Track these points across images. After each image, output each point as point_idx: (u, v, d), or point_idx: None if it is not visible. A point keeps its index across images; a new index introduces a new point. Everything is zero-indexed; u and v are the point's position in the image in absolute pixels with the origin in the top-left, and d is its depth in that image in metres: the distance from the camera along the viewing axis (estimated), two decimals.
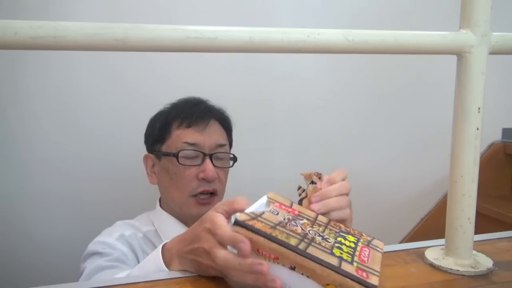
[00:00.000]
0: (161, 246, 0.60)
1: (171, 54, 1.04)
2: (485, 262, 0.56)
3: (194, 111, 0.91)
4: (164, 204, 0.94)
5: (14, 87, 1.08)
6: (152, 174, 0.95)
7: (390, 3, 1.34)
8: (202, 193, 0.88)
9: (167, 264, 0.57)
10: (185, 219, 0.90)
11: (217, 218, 0.50)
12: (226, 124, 0.97)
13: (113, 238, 0.83)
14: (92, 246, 0.81)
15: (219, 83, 1.21)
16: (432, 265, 0.57)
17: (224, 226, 0.48)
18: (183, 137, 0.89)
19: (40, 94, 1.09)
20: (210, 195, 0.89)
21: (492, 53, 0.56)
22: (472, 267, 0.54)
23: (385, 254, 0.61)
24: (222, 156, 0.92)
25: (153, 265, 0.58)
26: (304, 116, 1.32)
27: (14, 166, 1.09)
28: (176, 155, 0.87)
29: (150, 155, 0.95)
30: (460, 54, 0.55)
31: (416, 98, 1.42)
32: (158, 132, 0.93)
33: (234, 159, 0.96)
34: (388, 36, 0.53)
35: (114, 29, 0.45)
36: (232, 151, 0.98)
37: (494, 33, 0.55)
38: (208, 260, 0.49)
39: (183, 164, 0.87)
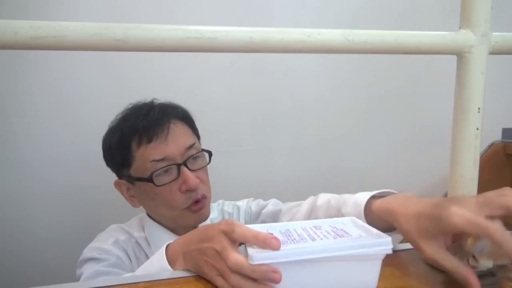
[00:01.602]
0: (164, 246, 0.59)
1: (172, 53, 1.04)
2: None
3: (149, 122, 0.80)
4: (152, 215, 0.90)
5: (15, 87, 1.08)
6: (132, 198, 0.87)
7: (390, 3, 1.34)
8: (193, 203, 0.82)
9: (172, 264, 0.56)
10: (175, 228, 0.87)
11: (236, 221, 0.50)
12: (185, 118, 0.88)
13: (108, 243, 0.81)
14: (87, 252, 0.79)
15: (219, 83, 1.21)
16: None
17: (242, 226, 0.49)
18: (148, 156, 0.79)
19: (42, 94, 1.09)
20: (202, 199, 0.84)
21: (492, 53, 0.56)
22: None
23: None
24: (196, 156, 0.85)
25: (157, 265, 0.57)
26: (304, 115, 1.32)
27: (15, 166, 1.09)
28: (150, 179, 0.79)
29: (121, 180, 0.86)
30: (460, 54, 0.55)
31: (416, 98, 1.42)
32: (118, 157, 0.83)
33: (209, 153, 0.88)
34: (388, 36, 0.53)
35: (114, 29, 0.45)
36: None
37: (494, 33, 0.55)
38: (216, 261, 0.49)
39: (161, 185, 0.80)
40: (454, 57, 0.57)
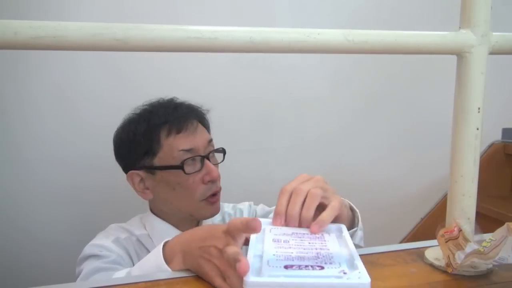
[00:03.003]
0: (162, 244, 0.59)
1: (173, 53, 1.04)
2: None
3: (178, 115, 0.86)
4: (156, 209, 0.91)
5: (16, 86, 1.08)
6: (145, 190, 0.89)
7: (390, 3, 1.34)
8: (211, 195, 0.87)
9: (168, 261, 0.56)
10: (178, 223, 0.89)
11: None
12: (204, 120, 0.94)
13: (109, 241, 0.82)
14: (88, 249, 0.80)
15: (218, 83, 1.22)
16: (432, 265, 0.56)
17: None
18: (177, 145, 0.84)
19: (42, 93, 1.09)
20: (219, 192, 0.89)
21: (492, 53, 0.56)
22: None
23: (385, 254, 0.61)
24: (214, 152, 0.91)
25: (153, 263, 0.57)
26: (304, 115, 1.32)
27: (15, 166, 1.09)
28: (181, 167, 0.83)
29: (137, 171, 0.87)
30: (460, 54, 0.55)
31: (416, 97, 1.42)
32: (144, 145, 0.86)
33: (223, 151, 0.93)
34: (388, 36, 0.53)
35: (114, 29, 0.45)
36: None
37: (494, 33, 0.55)
38: (218, 260, 0.49)
39: (190, 173, 0.84)
40: (454, 57, 0.57)
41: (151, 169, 0.86)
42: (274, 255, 0.47)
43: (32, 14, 1.04)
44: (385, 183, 1.41)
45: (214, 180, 0.86)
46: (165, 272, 0.55)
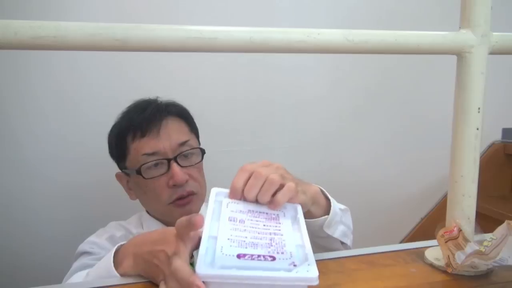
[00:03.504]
0: (117, 245, 0.60)
1: (175, 53, 1.04)
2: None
3: (144, 117, 0.84)
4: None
5: (18, 86, 1.08)
6: (130, 191, 0.91)
7: (390, 3, 1.34)
8: (177, 199, 0.84)
9: (119, 263, 0.56)
10: (170, 223, 0.87)
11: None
12: (183, 116, 0.90)
13: (103, 238, 0.83)
14: (81, 246, 0.81)
15: (218, 83, 1.21)
16: (432, 265, 0.57)
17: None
18: (140, 149, 0.83)
19: (44, 93, 1.09)
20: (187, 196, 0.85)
21: (492, 53, 0.56)
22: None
23: (385, 254, 0.61)
24: (188, 153, 0.86)
25: (105, 264, 0.58)
26: (304, 115, 1.32)
27: (17, 165, 1.09)
28: (139, 172, 0.82)
29: (121, 173, 0.91)
30: (460, 54, 0.55)
31: (416, 97, 1.42)
32: (116, 150, 0.88)
33: (202, 151, 0.89)
34: (388, 36, 0.53)
35: (114, 29, 0.45)
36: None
37: (494, 33, 0.55)
38: (164, 265, 0.49)
39: (149, 178, 0.82)
40: (454, 57, 0.57)
41: (126, 172, 0.88)
42: (228, 239, 0.47)
43: (32, 14, 1.04)
44: (385, 183, 1.41)
45: (179, 184, 0.82)
46: (114, 277, 0.55)
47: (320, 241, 0.71)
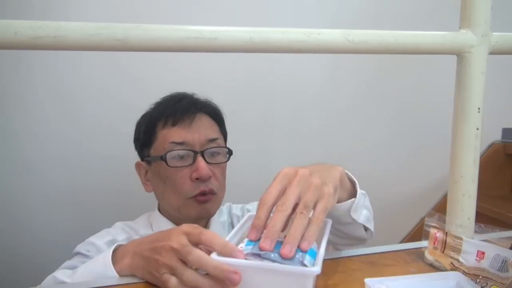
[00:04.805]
0: (116, 244, 0.59)
1: (175, 53, 1.04)
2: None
3: (177, 108, 0.84)
4: (162, 209, 0.90)
5: (19, 85, 1.08)
6: (147, 182, 0.89)
7: (390, 3, 1.34)
8: (199, 194, 0.82)
9: (117, 261, 0.56)
10: (181, 221, 0.85)
11: (201, 227, 0.51)
12: (216, 116, 0.89)
13: (103, 241, 0.81)
14: (79, 246, 0.80)
15: (219, 82, 1.21)
16: (432, 265, 0.57)
17: (211, 232, 0.49)
18: (169, 137, 0.82)
19: (45, 93, 1.09)
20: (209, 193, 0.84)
21: (492, 53, 0.56)
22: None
23: (385, 254, 0.61)
24: (215, 151, 0.85)
25: (100, 262, 0.57)
26: (304, 115, 1.32)
27: (18, 165, 1.09)
28: (164, 158, 0.81)
29: (142, 162, 0.89)
30: (460, 54, 0.55)
31: (416, 97, 1.42)
32: (143, 135, 0.87)
33: (230, 152, 0.88)
34: (388, 36, 0.53)
35: (114, 29, 0.45)
36: (232, 151, 0.97)
37: (494, 33, 0.55)
38: (169, 258, 0.48)
39: (173, 166, 0.81)
40: (454, 57, 0.57)
41: (148, 160, 0.87)
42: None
43: (33, 14, 1.04)
44: (385, 183, 1.41)
45: (202, 178, 0.80)
46: (112, 277, 0.55)
47: (343, 228, 0.67)
